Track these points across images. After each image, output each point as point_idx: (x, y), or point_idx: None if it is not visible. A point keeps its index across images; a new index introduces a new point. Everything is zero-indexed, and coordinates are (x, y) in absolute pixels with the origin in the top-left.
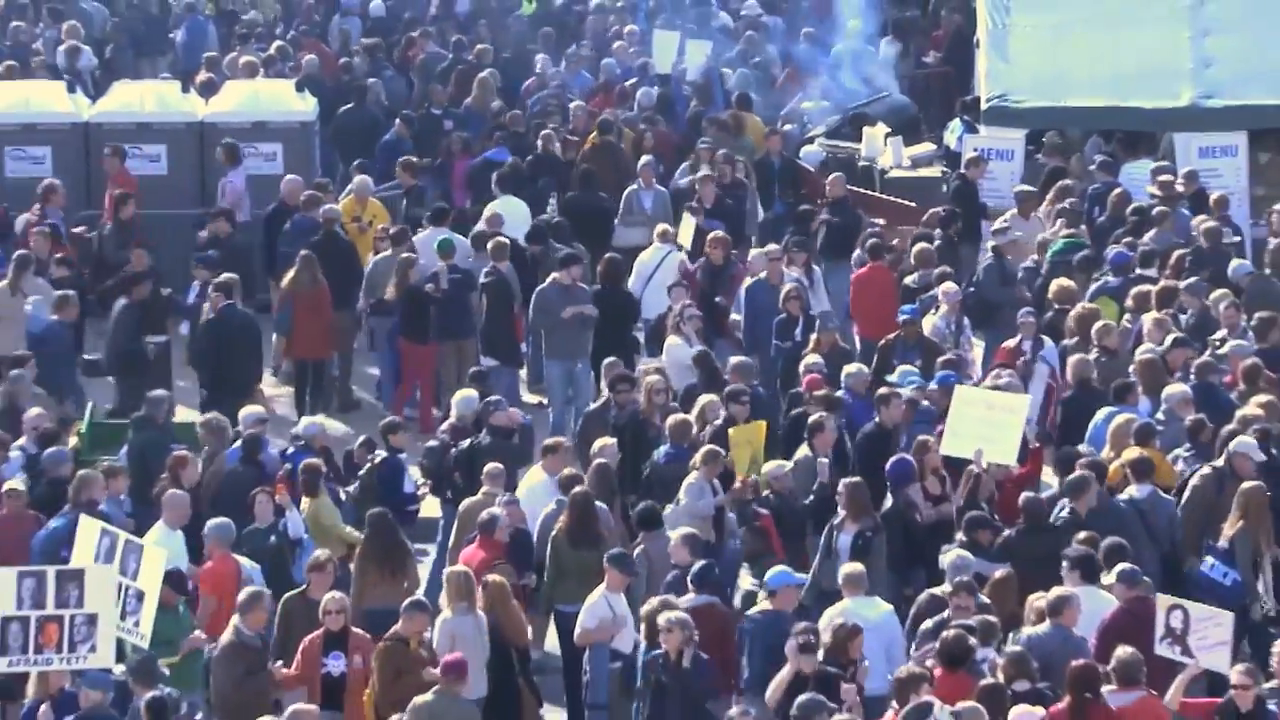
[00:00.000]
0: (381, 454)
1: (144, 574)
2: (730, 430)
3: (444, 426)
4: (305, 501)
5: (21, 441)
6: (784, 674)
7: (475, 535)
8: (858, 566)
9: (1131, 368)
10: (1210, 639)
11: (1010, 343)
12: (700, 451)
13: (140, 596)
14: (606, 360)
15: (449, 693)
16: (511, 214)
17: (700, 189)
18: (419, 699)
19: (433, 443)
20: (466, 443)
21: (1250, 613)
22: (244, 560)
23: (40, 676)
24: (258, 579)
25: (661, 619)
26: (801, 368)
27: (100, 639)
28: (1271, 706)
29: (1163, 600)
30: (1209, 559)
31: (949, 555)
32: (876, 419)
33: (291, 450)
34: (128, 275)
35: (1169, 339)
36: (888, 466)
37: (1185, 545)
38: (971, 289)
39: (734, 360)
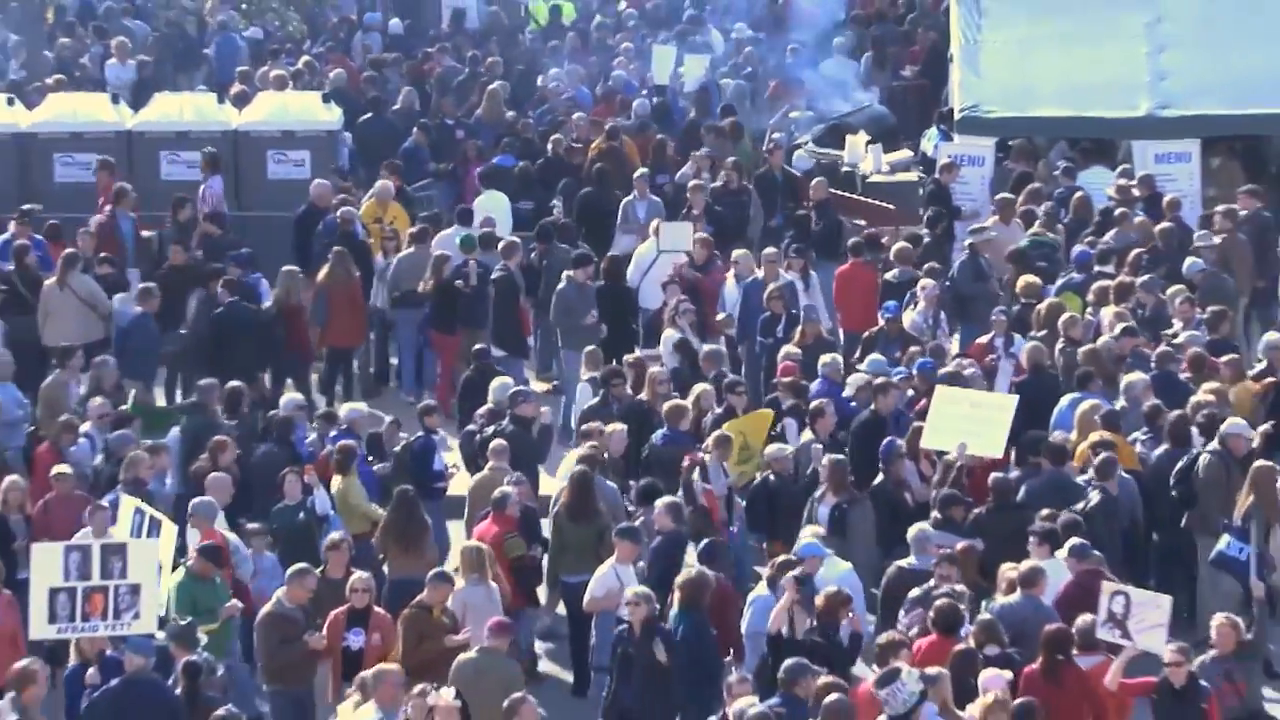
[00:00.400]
0: (418, 435)
1: (161, 547)
2: (726, 425)
3: (481, 411)
4: (336, 480)
5: (86, 427)
6: (783, 602)
7: (488, 511)
8: (818, 529)
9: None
10: (1148, 622)
11: (983, 339)
12: (712, 437)
13: (136, 590)
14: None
15: (493, 651)
16: (493, 208)
17: (691, 197)
18: (463, 656)
19: (471, 427)
20: (491, 429)
21: (1267, 583)
22: (230, 535)
23: (81, 641)
24: (242, 552)
25: (627, 593)
26: (780, 356)
27: (143, 608)
28: (1204, 683)
29: (1106, 587)
30: (1226, 537)
31: (912, 529)
32: (872, 407)
33: (334, 433)
34: (204, 271)
35: (1118, 328)
36: (881, 447)
37: (1201, 524)
38: (948, 284)
39: (706, 348)
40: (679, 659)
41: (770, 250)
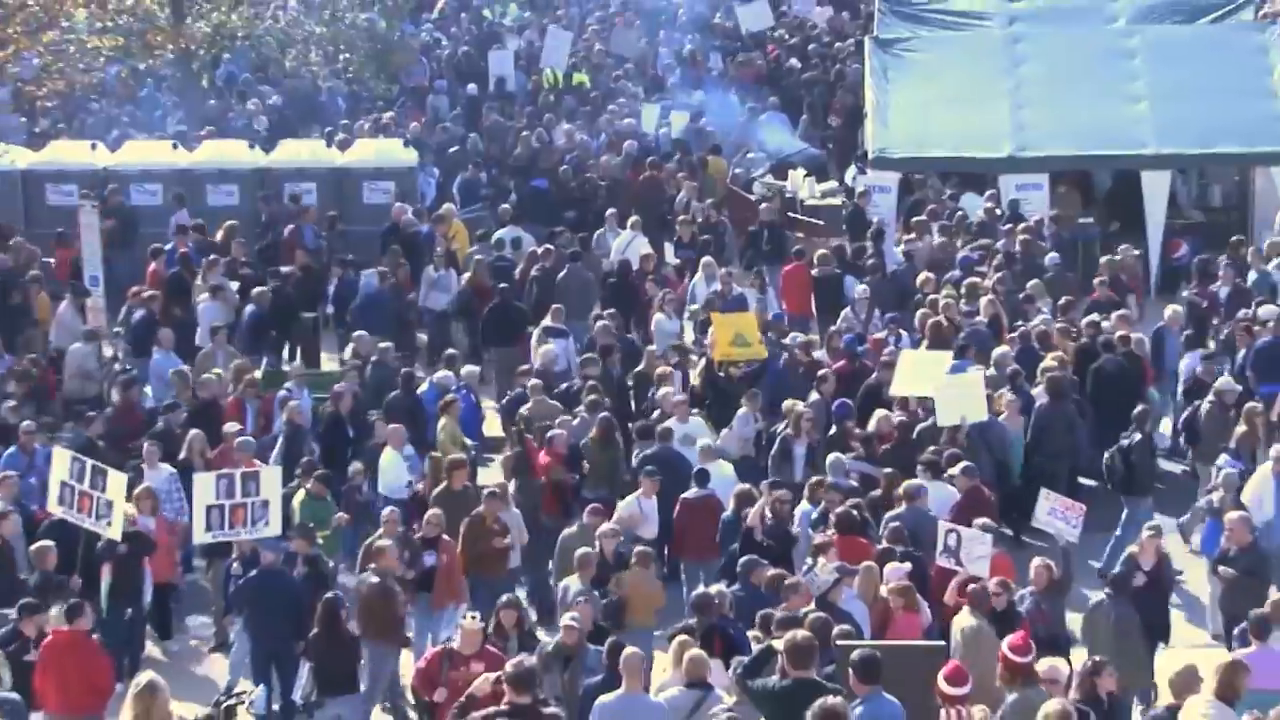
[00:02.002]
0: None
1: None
2: (714, 314)
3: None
4: (443, 419)
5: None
6: (759, 506)
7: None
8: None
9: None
10: (975, 553)
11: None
12: (745, 395)
13: (266, 504)
14: (600, 324)
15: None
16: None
17: (680, 230)
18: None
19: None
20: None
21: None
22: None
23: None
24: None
25: (565, 618)
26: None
27: (271, 518)
28: (1021, 609)
29: (941, 526)
30: (1224, 456)
31: (830, 456)
32: (875, 376)
33: (458, 385)
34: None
35: (989, 312)
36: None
37: (1204, 456)
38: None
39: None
40: None
41: (724, 271)
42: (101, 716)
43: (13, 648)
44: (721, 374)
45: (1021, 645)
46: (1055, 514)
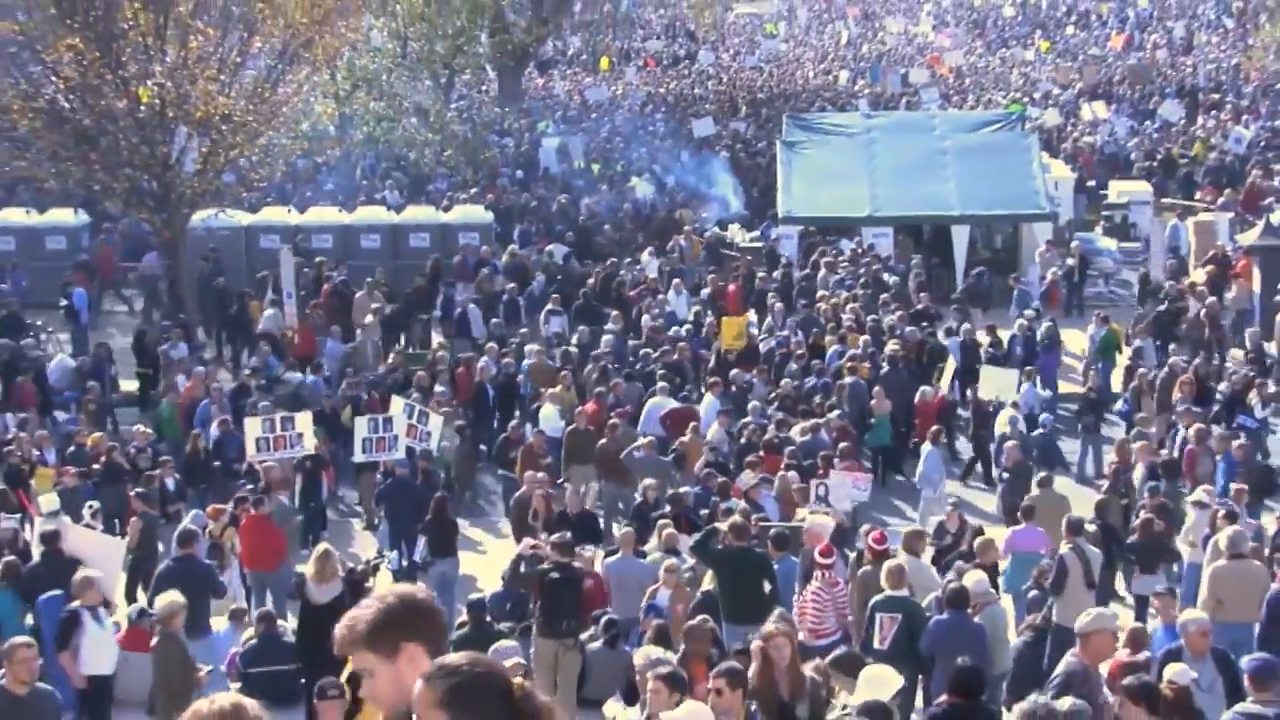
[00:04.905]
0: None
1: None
2: (723, 319)
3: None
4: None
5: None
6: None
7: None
8: None
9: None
10: (841, 496)
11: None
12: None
13: (426, 418)
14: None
15: None
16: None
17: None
18: None
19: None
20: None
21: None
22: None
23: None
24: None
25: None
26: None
27: (400, 447)
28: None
29: (813, 483)
30: (1241, 416)
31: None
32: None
33: None
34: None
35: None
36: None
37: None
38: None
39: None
40: None
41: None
42: (279, 570)
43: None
44: (729, 356)
45: (881, 538)
46: (845, 487)
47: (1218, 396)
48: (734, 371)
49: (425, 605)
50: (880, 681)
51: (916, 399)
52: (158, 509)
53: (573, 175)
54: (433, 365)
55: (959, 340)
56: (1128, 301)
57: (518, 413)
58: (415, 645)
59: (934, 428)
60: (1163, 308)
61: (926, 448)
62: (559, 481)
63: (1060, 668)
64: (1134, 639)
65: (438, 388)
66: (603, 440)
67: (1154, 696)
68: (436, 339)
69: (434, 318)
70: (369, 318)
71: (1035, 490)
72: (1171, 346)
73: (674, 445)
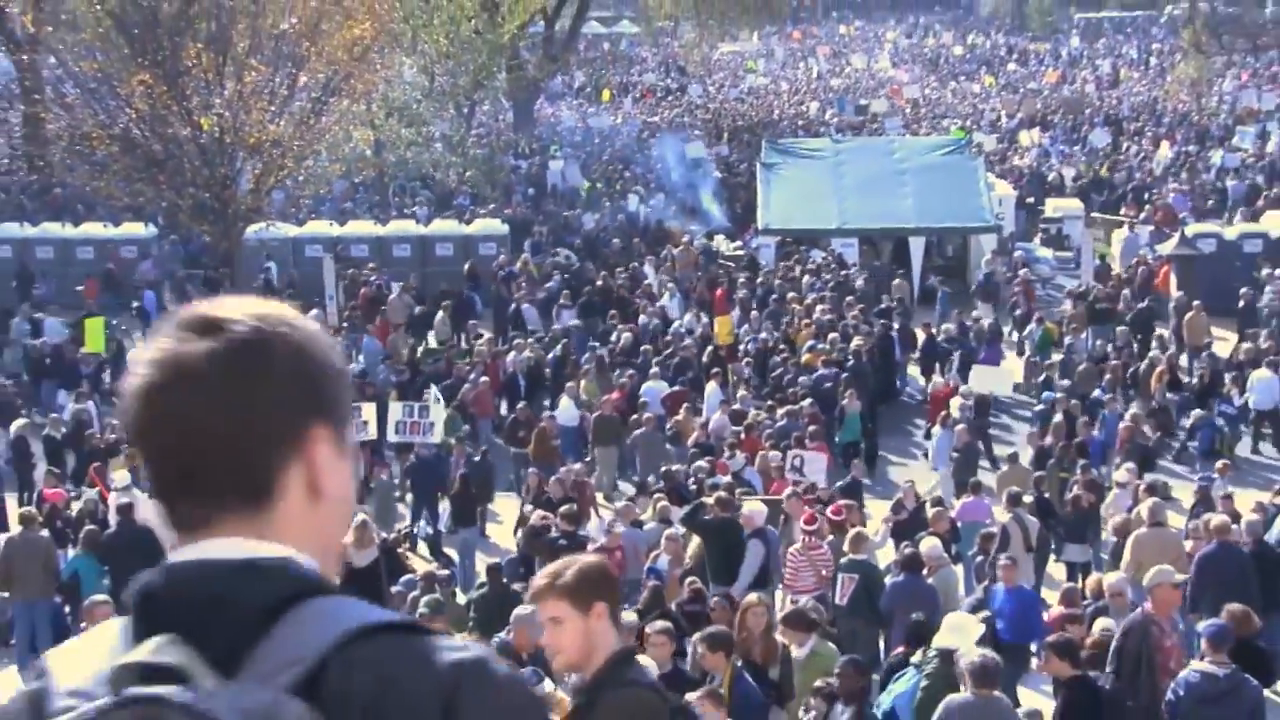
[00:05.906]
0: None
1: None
2: (717, 317)
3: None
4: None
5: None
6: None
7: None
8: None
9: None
10: (815, 468)
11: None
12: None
13: (427, 410)
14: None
15: None
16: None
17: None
18: None
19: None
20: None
21: None
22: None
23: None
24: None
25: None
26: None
27: (436, 424)
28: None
29: (790, 455)
30: (1217, 406)
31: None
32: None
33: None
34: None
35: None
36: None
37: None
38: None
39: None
40: None
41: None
42: None
43: None
44: (722, 350)
45: (838, 509)
46: (819, 461)
47: (1191, 382)
48: (732, 365)
49: (612, 574)
50: (962, 628)
51: (930, 389)
52: None
53: (575, 194)
54: (470, 355)
55: (922, 336)
56: (1059, 302)
57: (547, 401)
58: (603, 604)
59: (943, 412)
60: (1099, 306)
61: (938, 430)
62: (585, 460)
63: (1124, 623)
64: (1066, 597)
65: (480, 377)
66: (640, 429)
67: (1075, 650)
68: (485, 334)
69: (481, 314)
70: (400, 315)
71: (1005, 467)
72: (1119, 331)
73: (670, 424)
